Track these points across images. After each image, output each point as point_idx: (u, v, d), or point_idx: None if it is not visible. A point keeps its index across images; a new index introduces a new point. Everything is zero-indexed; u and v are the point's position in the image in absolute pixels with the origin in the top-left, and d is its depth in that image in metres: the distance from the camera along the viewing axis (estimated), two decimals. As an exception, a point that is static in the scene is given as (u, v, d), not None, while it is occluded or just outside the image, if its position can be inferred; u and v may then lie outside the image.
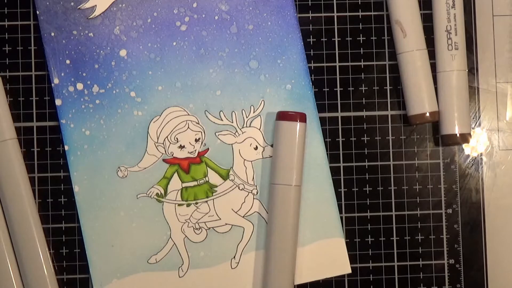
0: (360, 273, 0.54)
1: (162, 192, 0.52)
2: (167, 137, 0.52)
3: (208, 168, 0.52)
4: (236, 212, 0.52)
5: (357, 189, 0.54)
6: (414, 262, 0.54)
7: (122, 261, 0.52)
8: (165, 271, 0.52)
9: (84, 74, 0.52)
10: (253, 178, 0.52)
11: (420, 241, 0.54)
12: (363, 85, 0.54)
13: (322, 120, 0.53)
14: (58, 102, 0.52)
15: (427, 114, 0.52)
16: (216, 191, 0.52)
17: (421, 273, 0.54)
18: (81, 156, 0.52)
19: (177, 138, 0.52)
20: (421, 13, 0.53)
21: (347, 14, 0.54)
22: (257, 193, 0.52)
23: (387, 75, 0.54)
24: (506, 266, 0.54)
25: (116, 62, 0.52)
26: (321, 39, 0.54)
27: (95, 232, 0.52)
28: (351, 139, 0.54)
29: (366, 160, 0.54)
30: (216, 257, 0.52)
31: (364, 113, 0.54)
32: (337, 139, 0.54)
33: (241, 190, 0.52)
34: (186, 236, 0.52)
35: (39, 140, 0.53)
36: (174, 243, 0.52)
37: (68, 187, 0.52)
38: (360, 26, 0.54)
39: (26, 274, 0.51)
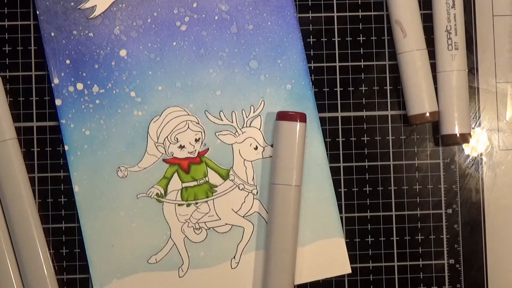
0: (360, 273, 0.54)
1: (162, 192, 0.52)
2: (167, 137, 0.52)
3: (208, 168, 0.52)
4: (236, 212, 0.52)
5: (357, 189, 0.54)
6: (414, 262, 0.54)
7: (122, 261, 0.52)
8: (165, 271, 0.52)
9: (84, 74, 0.52)
10: (253, 178, 0.52)
11: (420, 241, 0.54)
12: (363, 85, 0.54)
13: (322, 120, 0.53)
14: (58, 102, 0.52)
15: (427, 114, 0.52)
16: (216, 191, 0.52)
17: (421, 273, 0.54)
18: (81, 156, 0.52)
19: (177, 138, 0.52)
20: (421, 13, 0.53)
21: (347, 14, 0.54)
22: (257, 193, 0.52)
23: (387, 75, 0.54)
24: (506, 266, 0.54)
25: (116, 62, 0.52)
26: (321, 39, 0.54)
27: (95, 232, 0.52)
28: (351, 139, 0.54)
29: (366, 160, 0.54)
30: (216, 257, 0.52)
31: (364, 113, 0.54)
32: (337, 139, 0.54)
33: (241, 190, 0.52)
34: (186, 236, 0.52)
35: (39, 140, 0.53)
36: (174, 243, 0.52)
37: (68, 187, 0.52)
38: (360, 26, 0.54)
39: (26, 274, 0.51)
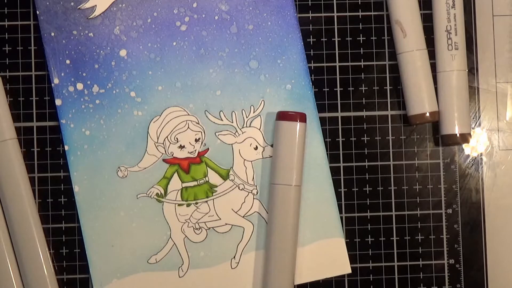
0: (360, 273, 0.54)
1: (162, 192, 0.52)
2: (167, 137, 0.52)
3: (208, 168, 0.52)
4: (236, 212, 0.52)
5: (357, 189, 0.54)
6: (414, 262, 0.54)
7: (122, 261, 0.52)
8: (165, 271, 0.52)
9: (84, 74, 0.52)
10: (253, 178, 0.52)
11: (420, 241, 0.54)
12: (363, 85, 0.54)
13: (322, 120, 0.53)
14: (58, 102, 0.52)
15: (427, 114, 0.52)
16: (216, 191, 0.52)
17: (421, 273, 0.54)
18: (81, 156, 0.52)
19: (177, 138, 0.52)
20: (421, 13, 0.53)
21: (347, 14, 0.54)
22: (257, 193, 0.52)
23: (387, 75, 0.54)
24: (506, 266, 0.54)
25: (116, 62, 0.52)
26: (321, 39, 0.54)
27: (95, 232, 0.52)
28: (351, 139, 0.54)
29: (366, 160, 0.54)
30: (216, 257, 0.52)
31: (364, 113, 0.54)
32: (337, 139, 0.54)
33: (241, 190, 0.52)
34: (186, 236, 0.52)
35: (39, 140, 0.53)
36: (174, 243, 0.52)
37: (68, 187, 0.52)
38: (360, 26, 0.54)
39: (26, 274, 0.51)
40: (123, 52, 0.52)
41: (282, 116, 0.51)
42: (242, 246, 0.52)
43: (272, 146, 0.52)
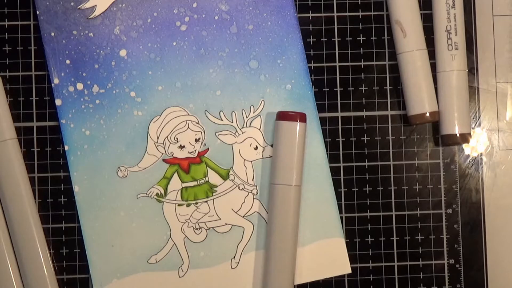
0: (360, 273, 0.54)
1: (162, 192, 0.52)
2: (167, 137, 0.52)
3: (208, 168, 0.52)
4: (236, 212, 0.52)
5: (357, 189, 0.54)
6: (414, 262, 0.54)
7: (122, 261, 0.52)
8: (165, 271, 0.52)
9: (84, 74, 0.52)
10: (253, 178, 0.52)
11: (420, 241, 0.54)
12: (363, 85, 0.54)
13: (322, 120, 0.53)
14: (58, 102, 0.52)
15: (427, 114, 0.52)
16: (216, 191, 0.52)
17: (421, 273, 0.54)
18: (81, 156, 0.52)
19: (177, 138, 0.52)
20: (421, 13, 0.53)
21: (347, 14, 0.54)
22: (257, 193, 0.52)
23: (387, 75, 0.54)
24: (506, 266, 0.54)
25: (116, 62, 0.52)
26: (321, 39, 0.54)
27: (95, 232, 0.52)
28: (351, 139, 0.54)
29: (366, 160, 0.54)
30: (216, 257, 0.52)
31: (364, 113, 0.54)
32: (337, 139, 0.54)
33: (241, 190, 0.52)
34: (186, 236, 0.52)
35: (39, 140, 0.53)
36: (174, 243, 0.52)
37: (68, 187, 0.52)
38: (360, 26, 0.54)
39: (26, 274, 0.51)
40: (123, 52, 0.52)
41: (282, 116, 0.51)
42: (242, 246, 0.52)
43: (272, 146, 0.52)
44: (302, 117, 0.51)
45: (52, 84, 0.52)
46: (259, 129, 0.53)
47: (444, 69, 0.53)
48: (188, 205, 0.52)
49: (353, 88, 0.54)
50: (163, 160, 0.52)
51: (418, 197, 0.54)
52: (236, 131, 0.53)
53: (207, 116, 0.52)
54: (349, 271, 0.53)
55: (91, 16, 0.52)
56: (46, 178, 0.53)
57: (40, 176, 0.53)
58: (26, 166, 0.52)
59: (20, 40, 0.53)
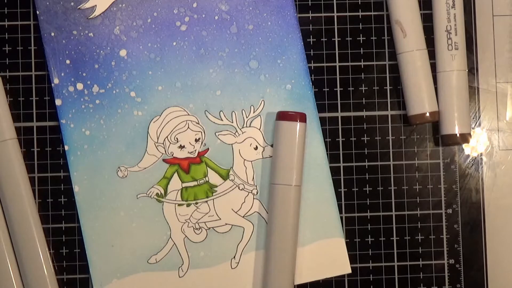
0: (360, 273, 0.54)
1: (162, 192, 0.52)
2: (167, 137, 0.52)
3: (208, 168, 0.52)
4: (236, 212, 0.52)
5: (357, 189, 0.54)
6: (414, 262, 0.54)
7: (122, 261, 0.52)
8: (165, 271, 0.52)
9: (84, 74, 0.52)
10: (253, 178, 0.52)
11: (420, 241, 0.54)
12: (363, 85, 0.54)
13: (322, 120, 0.53)
14: (58, 102, 0.52)
15: (427, 114, 0.52)
16: (216, 191, 0.52)
17: (421, 273, 0.54)
18: (81, 156, 0.52)
19: (177, 138, 0.52)
20: (421, 13, 0.53)
21: (347, 14, 0.54)
22: (257, 193, 0.52)
23: (387, 75, 0.54)
24: (506, 266, 0.54)
25: (116, 62, 0.52)
26: (321, 39, 0.54)
27: (95, 232, 0.52)
28: (351, 139, 0.54)
29: (366, 160, 0.54)
30: (216, 257, 0.52)
31: (364, 113, 0.54)
32: (337, 139, 0.54)
33: (241, 190, 0.52)
34: (186, 236, 0.52)
35: (39, 140, 0.53)
36: (174, 243, 0.52)
37: (68, 187, 0.52)
38: (360, 26, 0.54)
39: (26, 274, 0.51)
40: (123, 52, 0.52)
41: (282, 116, 0.51)
42: (242, 246, 0.52)
43: (272, 146, 0.52)
44: (302, 117, 0.51)
45: (52, 84, 0.52)
46: (259, 129, 0.53)
47: (444, 69, 0.53)
48: (188, 205, 0.52)
49: (353, 88, 0.54)
50: (163, 160, 0.52)
51: (418, 197, 0.54)
52: (236, 131, 0.53)
53: (207, 116, 0.52)
54: (349, 271, 0.53)
55: (91, 16, 0.52)
56: (46, 178, 0.53)
57: (40, 176, 0.53)
58: (26, 166, 0.52)
59: (20, 40, 0.53)
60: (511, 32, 0.55)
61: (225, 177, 0.52)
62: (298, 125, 0.50)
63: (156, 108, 0.52)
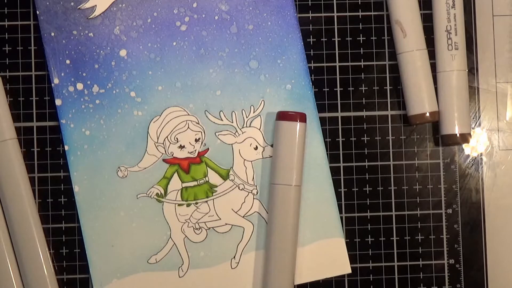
0: (360, 273, 0.54)
1: (162, 192, 0.52)
2: (167, 137, 0.52)
3: (208, 168, 0.52)
4: (236, 212, 0.52)
5: (357, 189, 0.54)
6: (414, 262, 0.54)
7: (122, 261, 0.52)
8: (165, 271, 0.52)
9: (84, 74, 0.52)
10: (253, 178, 0.52)
11: (420, 241, 0.54)
12: (363, 85, 0.54)
13: (322, 120, 0.53)
14: (58, 102, 0.52)
15: (427, 114, 0.52)
16: (216, 191, 0.52)
17: (421, 273, 0.54)
18: (81, 156, 0.52)
19: (177, 138, 0.52)
20: (421, 13, 0.53)
21: (347, 14, 0.54)
22: (257, 193, 0.52)
23: (387, 75, 0.54)
24: (506, 266, 0.54)
25: (116, 62, 0.52)
26: (321, 39, 0.54)
27: (95, 232, 0.52)
28: (351, 139, 0.54)
29: (366, 160, 0.54)
30: (216, 257, 0.52)
31: (364, 113, 0.54)
32: (337, 139, 0.54)
33: (241, 190, 0.52)
34: (186, 236, 0.52)
35: (39, 140, 0.53)
36: (174, 243, 0.52)
37: (68, 187, 0.52)
38: (360, 26, 0.54)
39: (26, 274, 0.51)
40: (123, 52, 0.52)
41: (282, 116, 0.51)
42: (242, 246, 0.52)
43: (272, 146, 0.52)
44: (302, 117, 0.51)
45: (52, 84, 0.52)
46: (259, 129, 0.53)
47: (444, 69, 0.53)
48: (188, 205, 0.52)
49: (353, 88, 0.54)
50: (163, 160, 0.52)
51: (418, 197, 0.54)
52: (236, 131, 0.53)
53: (207, 116, 0.52)
54: (349, 271, 0.53)
55: (91, 16, 0.52)
56: (46, 178, 0.53)
57: (40, 176, 0.53)
58: (26, 166, 0.52)
59: (20, 40, 0.53)
60: (511, 32, 0.55)
61: (225, 177, 0.52)
62: (298, 125, 0.50)
63: (156, 108, 0.52)
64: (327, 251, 0.52)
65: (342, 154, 0.54)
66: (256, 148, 0.52)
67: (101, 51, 0.52)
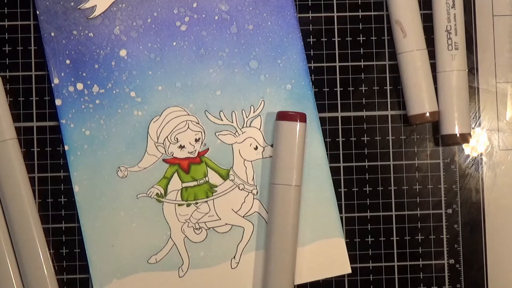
0: (360, 273, 0.54)
1: (162, 192, 0.52)
2: (167, 137, 0.52)
3: (208, 168, 0.52)
4: (236, 212, 0.52)
5: (357, 189, 0.54)
6: (414, 262, 0.54)
7: (122, 261, 0.52)
8: (165, 271, 0.52)
9: (84, 74, 0.52)
10: (253, 178, 0.52)
11: (420, 241, 0.54)
12: (363, 85, 0.54)
13: (322, 120, 0.53)
14: (58, 102, 0.52)
15: (427, 114, 0.52)
16: (216, 191, 0.52)
17: (421, 273, 0.54)
18: (81, 156, 0.52)
19: (177, 138, 0.52)
20: (421, 13, 0.53)
21: (347, 14, 0.54)
22: (257, 193, 0.52)
23: (387, 75, 0.54)
24: (506, 266, 0.54)
25: (116, 62, 0.52)
26: (321, 39, 0.54)
27: (95, 232, 0.52)
28: (351, 139, 0.54)
29: (366, 160, 0.54)
30: (216, 257, 0.52)
31: (364, 113, 0.54)
32: (337, 139, 0.54)
33: (241, 190, 0.52)
34: (186, 236, 0.52)
35: (39, 140, 0.53)
36: (174, 243, 0.52)
37: (68, 187, 0.52)
38: (360, 26, 0.54)
39: (26, 274, 0.51)
40: (123, 52, 0.52)
41: (282, 116, 0.51)
42: (242, 246, 0.52)
43: (272, 146, 0.52)
44: (302, 117, 0.51)
45: (52, 84, 0.52)
46: (259, 129, 0.53)
47: (444, 69, 0.53)
48: (188, 205, 0.52)
49: (353, 88, 0.54)
50: (163, 160, 0.52)
51: (418, 197, 0.54)
52: (236, 131, 0.53)
53: (207, 116, 0.52)
54: (349, 271, 0.53)
55: (91, 16, 0.52)
56: (46, 178, 0.53)
57: (40, 176, 0.53)
58: (26, 166, 0.52)
59: (20, 40, 0.53)
60: (511, 32, 0.55)
61: (225, 177, 0.52)
62: (298, 125, 0.50)
63: (156, 108, 0.52)
64: (327, 251, 0.52)
65: (342, 154, 0.54)
66: (256, 148, 0.52)
67: (101, 51, 0.52)
